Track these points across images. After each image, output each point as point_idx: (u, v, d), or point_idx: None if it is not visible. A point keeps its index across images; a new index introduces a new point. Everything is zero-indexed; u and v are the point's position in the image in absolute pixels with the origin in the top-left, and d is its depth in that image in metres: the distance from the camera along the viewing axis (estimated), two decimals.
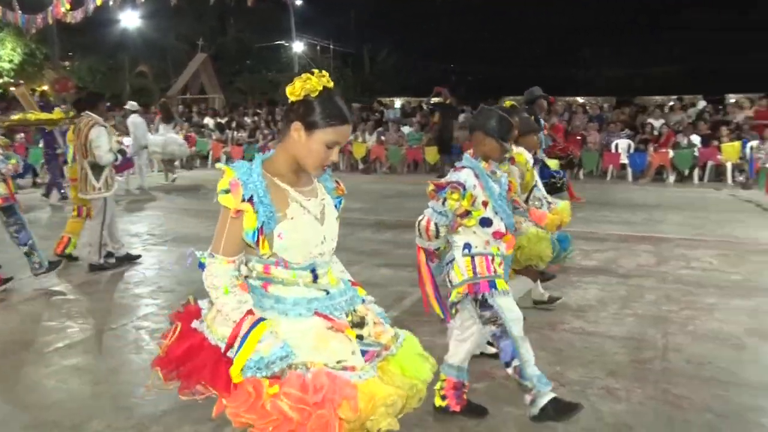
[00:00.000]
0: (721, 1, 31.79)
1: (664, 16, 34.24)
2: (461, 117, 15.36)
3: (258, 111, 19.51)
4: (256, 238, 1.94)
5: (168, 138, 12.53)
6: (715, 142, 13.17)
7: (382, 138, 15.81)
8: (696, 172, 13.29)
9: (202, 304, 2.15)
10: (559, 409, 2.99)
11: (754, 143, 12.65)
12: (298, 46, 27.18)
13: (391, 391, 1.93)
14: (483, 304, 3.05)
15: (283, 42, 27.93)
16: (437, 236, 3.09)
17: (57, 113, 8.18)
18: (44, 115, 8.54)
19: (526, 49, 35.11)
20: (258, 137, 16.85)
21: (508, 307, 3.05)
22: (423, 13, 35.02)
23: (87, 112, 6.19)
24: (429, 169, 15.40)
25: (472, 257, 3.09)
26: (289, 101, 1.98)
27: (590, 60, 34.80)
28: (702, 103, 18.21)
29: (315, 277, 2.06)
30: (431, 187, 3.10)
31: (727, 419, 3.22)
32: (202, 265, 2.01)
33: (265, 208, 1.93)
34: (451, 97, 14.17)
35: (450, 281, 3.17)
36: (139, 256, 6.68)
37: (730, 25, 30.69)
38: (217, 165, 2.09)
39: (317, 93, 1.94)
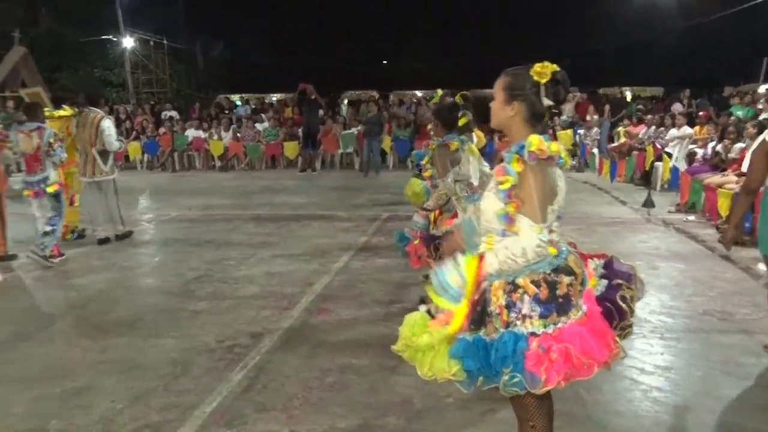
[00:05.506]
0: None
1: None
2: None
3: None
4: None
5: None
6: (551, 131, 14.55)
7: (238, 135, 15.58)
8: None
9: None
10: None
11: (582, 131, 14.19)
12: (128, 42, 25.56)
13: None
14: None
15: (110, 37, 26.08)
16: None
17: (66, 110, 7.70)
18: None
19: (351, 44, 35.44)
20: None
21: None
22: (247, 8, 34.08)
23: (90, 107, 7.17)
24: (287, 164, 15.46)
25: None
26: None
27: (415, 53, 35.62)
28: None
29: None
30: None
31: None
32: None
33: None
34: (316, 93, 14.72)
35: None
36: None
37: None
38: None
39: None
